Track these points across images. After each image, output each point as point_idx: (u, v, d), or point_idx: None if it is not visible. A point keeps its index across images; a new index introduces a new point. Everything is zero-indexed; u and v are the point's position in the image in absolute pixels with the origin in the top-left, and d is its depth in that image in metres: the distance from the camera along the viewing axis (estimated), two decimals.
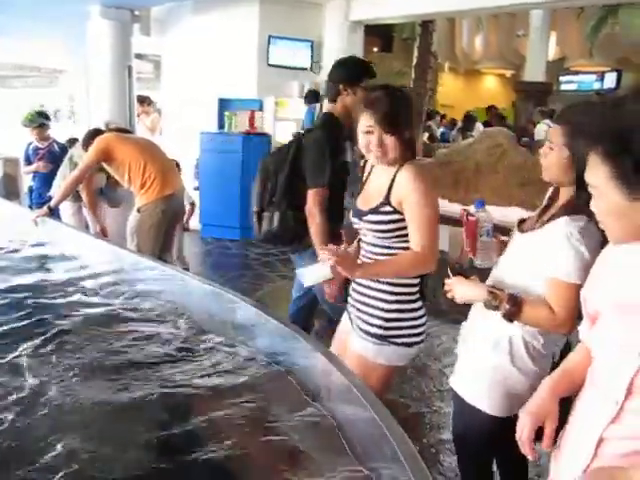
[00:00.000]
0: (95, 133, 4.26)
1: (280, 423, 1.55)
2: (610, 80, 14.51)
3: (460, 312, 1.89)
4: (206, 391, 1.73)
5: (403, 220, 1.92)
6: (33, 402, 1.62)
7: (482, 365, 1.71)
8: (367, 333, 2.01)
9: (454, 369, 1.89)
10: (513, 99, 14.62)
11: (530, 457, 1.30)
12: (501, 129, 7.48)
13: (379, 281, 1.98)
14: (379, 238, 1.98)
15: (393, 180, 1.94)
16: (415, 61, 12.12)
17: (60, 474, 1.31)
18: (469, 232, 1.80)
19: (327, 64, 7.56)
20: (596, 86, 14.61)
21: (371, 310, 2.00)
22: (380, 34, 14.18)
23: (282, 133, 6.90)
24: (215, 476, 1.39)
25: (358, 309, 2.05)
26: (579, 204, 1.52)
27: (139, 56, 8.25)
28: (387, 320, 1.98)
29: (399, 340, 1.99)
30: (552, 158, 1.60)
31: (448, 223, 5.77)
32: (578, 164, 1.50)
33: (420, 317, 2.03)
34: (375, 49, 15.09)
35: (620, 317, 1.13)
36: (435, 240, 1.89)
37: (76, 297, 2.49)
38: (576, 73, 15.19)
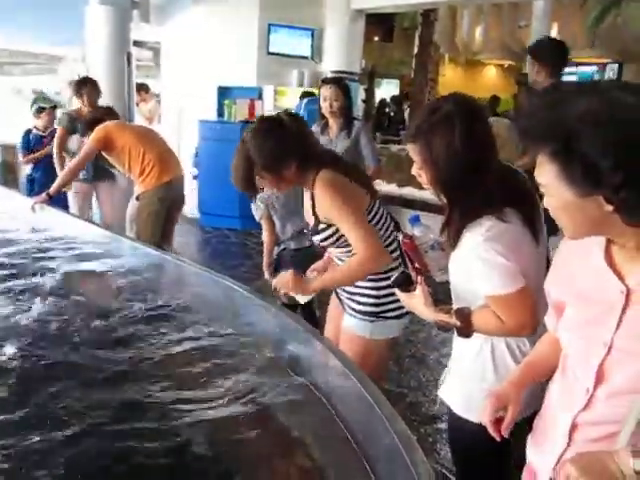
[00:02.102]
0: (93, 121, 4.25)
1: (280, 414, 1.55)
2: (611, 72, 14.47)
3: None
4: (203, 384, 1.72)
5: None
6: None
7: (466, 373, 1.65)
8: (361, 312, 2.06)
9: (443, 379, 1.80)
10: (514, 90, 14.56)
11: (497, 438, 1.30)
12: (499, 119, 7.43)
13: None
14: (336, 251, 2.04)
15: (313, 198, 1.97)
16: (416, 51, 12.08)
17: None
18: (413, 253, 1.63)
19: (328, 53, 7.53)
20: (597, 77, 14.55)
21: (362, 290, 2.04)
22: (381, 23, 14.11)
23: None
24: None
25: (348, 291, 2.09)
26: (471, 209, 1.45)
27: (138, 43, 8.19)
28: (379, 297, 2.03)
29: (392, 314, 2.05)
30: (425, 178, 1.52)
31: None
32: (447, 174, 1.44)
33: None
34: (376, 38, 15.01)
35: (582, 307, 1.15)
36: (369, 236, 1.88)
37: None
38: (577, 65, 15.12)
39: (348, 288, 2.09)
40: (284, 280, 2.00)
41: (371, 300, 2.04)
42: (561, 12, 13.97)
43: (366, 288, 2.03)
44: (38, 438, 1.38)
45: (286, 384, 1.69)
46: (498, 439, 1.30)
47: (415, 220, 1.63)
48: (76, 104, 5.15)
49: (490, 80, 18.41)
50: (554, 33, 14.42)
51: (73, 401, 1.56)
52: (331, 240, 1.99)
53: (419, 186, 1.84)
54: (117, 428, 1.46)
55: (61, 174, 4.06)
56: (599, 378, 1.10)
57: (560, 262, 1.25)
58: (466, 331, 1.51)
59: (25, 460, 1.31)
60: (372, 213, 1.99)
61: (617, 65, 14.48)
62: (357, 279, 1.99)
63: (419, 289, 1.57)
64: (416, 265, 1.59)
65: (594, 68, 14.73)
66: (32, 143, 5.56)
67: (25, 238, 3.17)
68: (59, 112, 5.21)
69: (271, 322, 1.94)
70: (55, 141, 4.86)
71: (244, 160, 1.92)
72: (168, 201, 4.06)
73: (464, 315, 1.50)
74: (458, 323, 1.50)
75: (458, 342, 1.70)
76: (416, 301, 1.58)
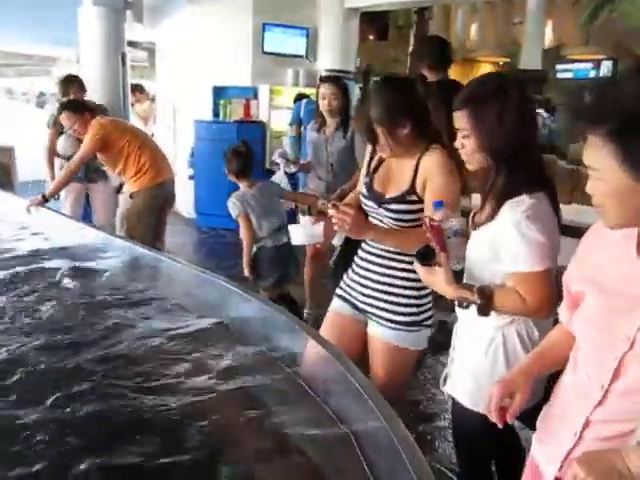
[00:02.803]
0: (78, 103, 4.16)
1: (276, 412, 1.55)
2: (606, 68, 14.47)
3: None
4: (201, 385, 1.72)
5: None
6: None
7: (476, 366, 1.66)
8: (403, 323, 1.99)
9: (448, 373, 1.82)
10: None
11: (499, 425, 1.31)
12: None
13: (405, 269, 1.95)
14: (398, 227, 1.94)
15: (417, 167, 1.89)
16: (411, 49, 12.07)
17: None
18: (437, 238, 1.64)
19: (323, 52, 7.52)
20: (592, 74, 14.56)
21: (401, 299, 1.98)
22: (375, 22, 14.09)
23: (277, 121, 6.86)
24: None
25: (380, 299, 2.01)
26: (514, 183, 1.49)
27: (133, 44, 8.16)
28: (419, 306, 1.99)
29: (429, 322, 2.03)
30: (470, 146, 1.54)
31: None
32: (504, 142, 1.47)
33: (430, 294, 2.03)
34: (371, 37, 15.00)
35: (605, 298, 1.13)
36: None
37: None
38: (572, 61, 15.13)
39: (380, 296, 2.01)
40: (347, 213, 1.79)
41: (411, 309, 1.98)
42: (555, 9, 13.98)
43: (406, 297, 1.98)
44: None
45: (282, 383, 1.68)
46: (500, 426, 1.30)
47: (439, 205, 1.66)
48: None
49: None
50: (548, 30, 14.47)
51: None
52: (405, 216, 1.91)
53: None
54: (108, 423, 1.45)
55: (58, 176, 4.04)
56: (617, 373, 1.08)
57: (583, 253, 1.23)
58: (487, 309, 1.53)
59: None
60: None
61: (612, 62, 14.48)
62: (409, 250, 1.85)
63: (442, 266, 1.58)
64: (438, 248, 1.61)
65: (589, 65, 14.73)
66: None
67: (20, 240, 3.16)
68: None
69: (268, 321, 1.93)
70: (46, 143, 4.78)
71: (366, 112, 1.89)
72: (161, 199, 4.09)
73: (486, 292, 1.52)
74: (479, 300, 1.51)
75: (467, 336, 1.70)
76: (437, 277, 1.59)
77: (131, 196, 4.04)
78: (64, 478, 1.26)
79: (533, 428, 1.39)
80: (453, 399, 1.78)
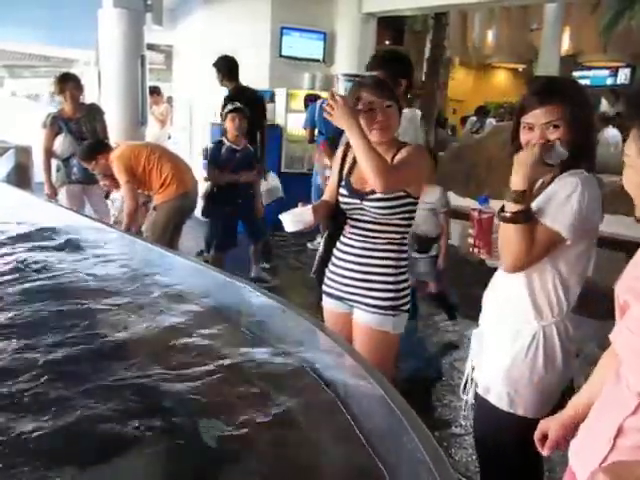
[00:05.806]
0: (99, 145, 4.20)
1: (296, 417, 1.54)
2: (623, 76, 14.39)
3: (469, 306, 1.85)
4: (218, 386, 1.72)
5: (408, 196, 2.05)
6: None
7: (515, 367, 1.66)
8: (382, 307, 2.10)
9: (470, 378, 1.82)
10: (525, 94, 14.47)
11: (544, 453, 1.34)
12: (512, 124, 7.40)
13: (384, 257, 2.10)
14: (383, 215, 2.06)
15: (395, 155, 2.05)
16: (427, 54, 12.05)
17: None
18: (484, 231, 1.67)
19: (339, 56, 7.53)
20: (609, 82, 14.50)
21: (381, 285, 2.11)
22: (391, 26, 14.10)
23: (294, 124, 6.87)
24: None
25: (364, 287, 2.13)
26: (577, 162, 1.55)
27: (150, 47, 8.23)
28: (397, 290, 2.11)
29: (406, 307, 2.15)
30: (555, 135, 1.59)
31: (460, 218, 5.69)
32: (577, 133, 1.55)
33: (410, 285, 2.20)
34: (387, 41, 15.01)
35: None
36: (399, 178, 1.99)
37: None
38: (589, 68, 15.05)
39: (363, 285, 2.12)
40: (337, 101, 1.93)
41: (390, 294, 2.09)
42: (573, 16, 13.93)
43: (385, 283, 2.09)
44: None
45: (302, 387, 1.67)
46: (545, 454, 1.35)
47: (485, 200, 1.70)
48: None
49: (500, 84, 18.36)
50: (566, 37, 14.40)
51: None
52: (388, 203, 2.04)
53: None
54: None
55: (125, 217, 4.04)
56: None
57: (632, 265, 1.23)
58: (513, 220, 1.52)
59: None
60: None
61: (629, 69, 14.39)
62: (369, 165, 1.92)
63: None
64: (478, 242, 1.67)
65: (606, 72, 14.64)
66: (224, 157, 4.70)
67: (42, 240, 3.18)
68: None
69: (285, 323, 1.93)
70: (42, 143, 4.72)
71: None
72: (183, 210, 4.20)
73: (529, 214, 1.52)
74: (522, 209, 1.51)
75: (501, 338, 1.69)
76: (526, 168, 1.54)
77: (154, 208, 4.11)
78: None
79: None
80: (480, 403, 1.77)
